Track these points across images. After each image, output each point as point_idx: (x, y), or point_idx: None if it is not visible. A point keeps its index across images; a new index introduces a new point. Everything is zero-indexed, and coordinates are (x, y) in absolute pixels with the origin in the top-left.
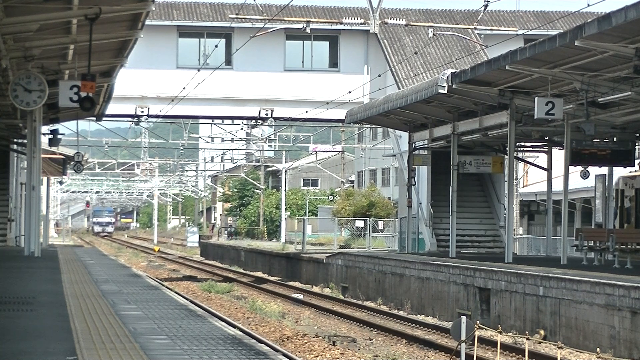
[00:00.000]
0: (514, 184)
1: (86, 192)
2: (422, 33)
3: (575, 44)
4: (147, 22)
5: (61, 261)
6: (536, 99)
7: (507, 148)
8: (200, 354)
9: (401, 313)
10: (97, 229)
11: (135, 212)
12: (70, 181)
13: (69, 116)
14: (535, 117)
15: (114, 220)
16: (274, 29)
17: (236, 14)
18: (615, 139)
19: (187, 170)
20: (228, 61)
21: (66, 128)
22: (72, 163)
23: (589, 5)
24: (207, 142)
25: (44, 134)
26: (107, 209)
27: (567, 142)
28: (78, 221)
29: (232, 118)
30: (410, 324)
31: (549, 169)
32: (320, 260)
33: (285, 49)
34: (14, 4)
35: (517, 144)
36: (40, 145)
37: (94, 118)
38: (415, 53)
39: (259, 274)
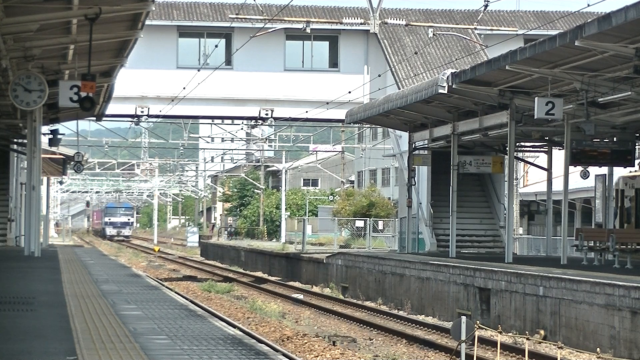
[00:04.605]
0: (514, 184)
1: (86, 192)
2: (422, 33)
3: (575, 44)
4: (147, 22)
5: (61, 261)
6: (536, 99)
7: (507, 148)
8: (200, 354)
9: (401, 313)
10: (111, 231)
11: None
12: (70, 181)
13: (69, 116)
14: (535, 117)
15: (132, 219)
16: (274, 29)
17: (236, 14)
18: (615, 139)
19: (187, 170)
20: (228, 61)
21: (66, 128)
22: (72, 163)
23: (589, 5)
24: (207, 142)
25: (44, 134)
26: (123, 204)
27: (567, 142)
28: (78, 221)
29: (232, 118)
30: (410, 324)
31: (549, 169)
32: (320, 260)
33: (285, 49)
34: (14, 4)
35: (517, 144)
36: (40, 145)
37: (94, 118)
38: (415, 53)
39: (259, 274)
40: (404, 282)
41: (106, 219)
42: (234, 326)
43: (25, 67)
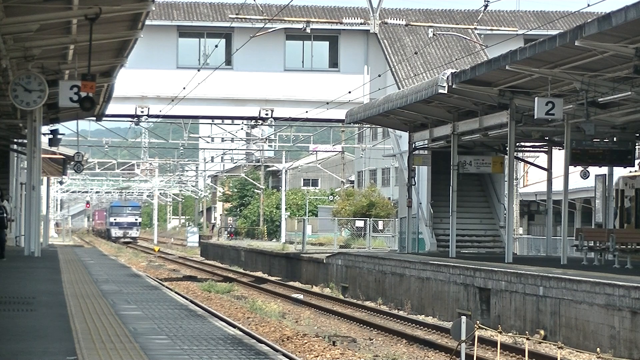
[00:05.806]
0: (514, 184)
1: (86, 192)
2: (422, 33)
3: (575, 44)
4: (147, 22)
5: (61, 261)
6: (536, 99)
7: (507, 148)
8: (200, 354)
9: (401, 313)
10: (116, 232)
11: None
12: (70, 181)
13: (69, 116)
14: (535, 117)
15: (139, 219)
16: (274, 29)
17: (236, 14)
18: (615, 139)
19: (187, 170)
20: (228, 61)
21: (66, 128)
22: (72, 163)
23: (589, 5)
24: (207, 142)
25: (44, 134)
26: (131, 203)
27: (567, 142)
28: (78, 221)
29: (232, 118)
30: (410, 324)
31: (549, 169)
32: (320, 260)
33: (285, 49)
34: (14, 4)
35: (517, 144)
36: (40, 145)
37: (94, 118)
38: (415, 53)
39: (259, 274)
40: (404, 282)
41: (111, 219)
42: (234, 326)
43: (25, 67)
